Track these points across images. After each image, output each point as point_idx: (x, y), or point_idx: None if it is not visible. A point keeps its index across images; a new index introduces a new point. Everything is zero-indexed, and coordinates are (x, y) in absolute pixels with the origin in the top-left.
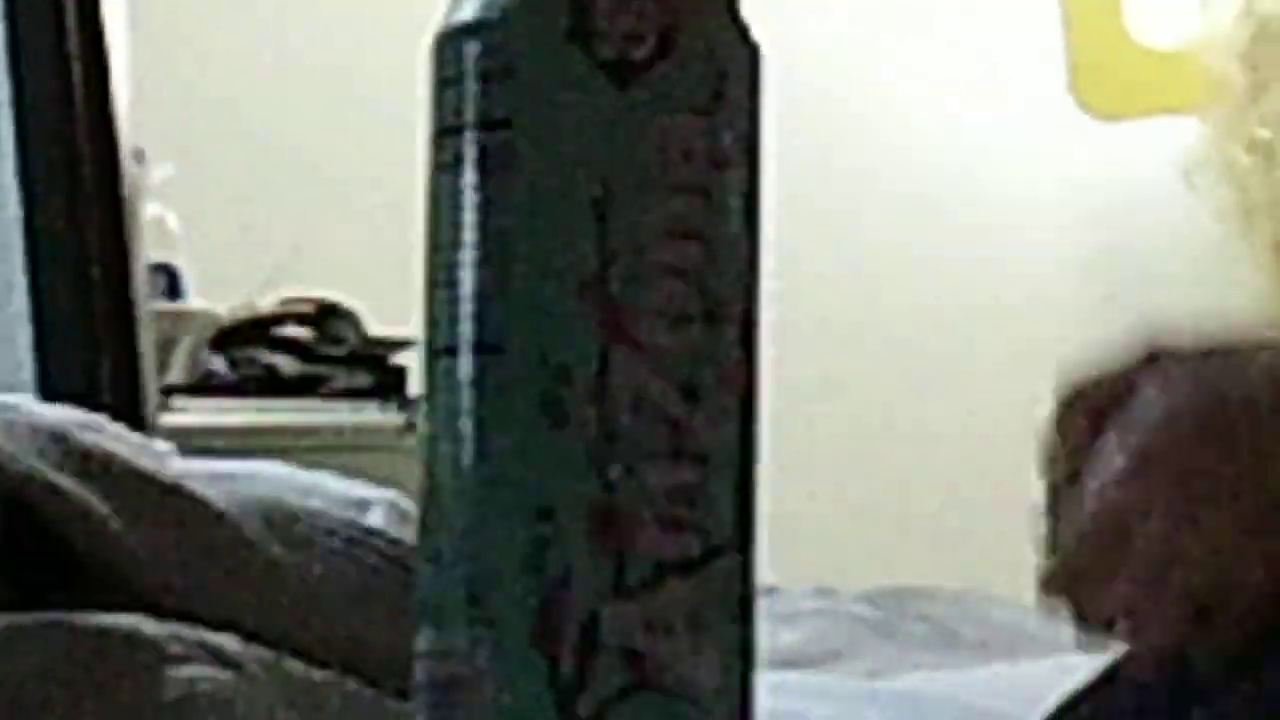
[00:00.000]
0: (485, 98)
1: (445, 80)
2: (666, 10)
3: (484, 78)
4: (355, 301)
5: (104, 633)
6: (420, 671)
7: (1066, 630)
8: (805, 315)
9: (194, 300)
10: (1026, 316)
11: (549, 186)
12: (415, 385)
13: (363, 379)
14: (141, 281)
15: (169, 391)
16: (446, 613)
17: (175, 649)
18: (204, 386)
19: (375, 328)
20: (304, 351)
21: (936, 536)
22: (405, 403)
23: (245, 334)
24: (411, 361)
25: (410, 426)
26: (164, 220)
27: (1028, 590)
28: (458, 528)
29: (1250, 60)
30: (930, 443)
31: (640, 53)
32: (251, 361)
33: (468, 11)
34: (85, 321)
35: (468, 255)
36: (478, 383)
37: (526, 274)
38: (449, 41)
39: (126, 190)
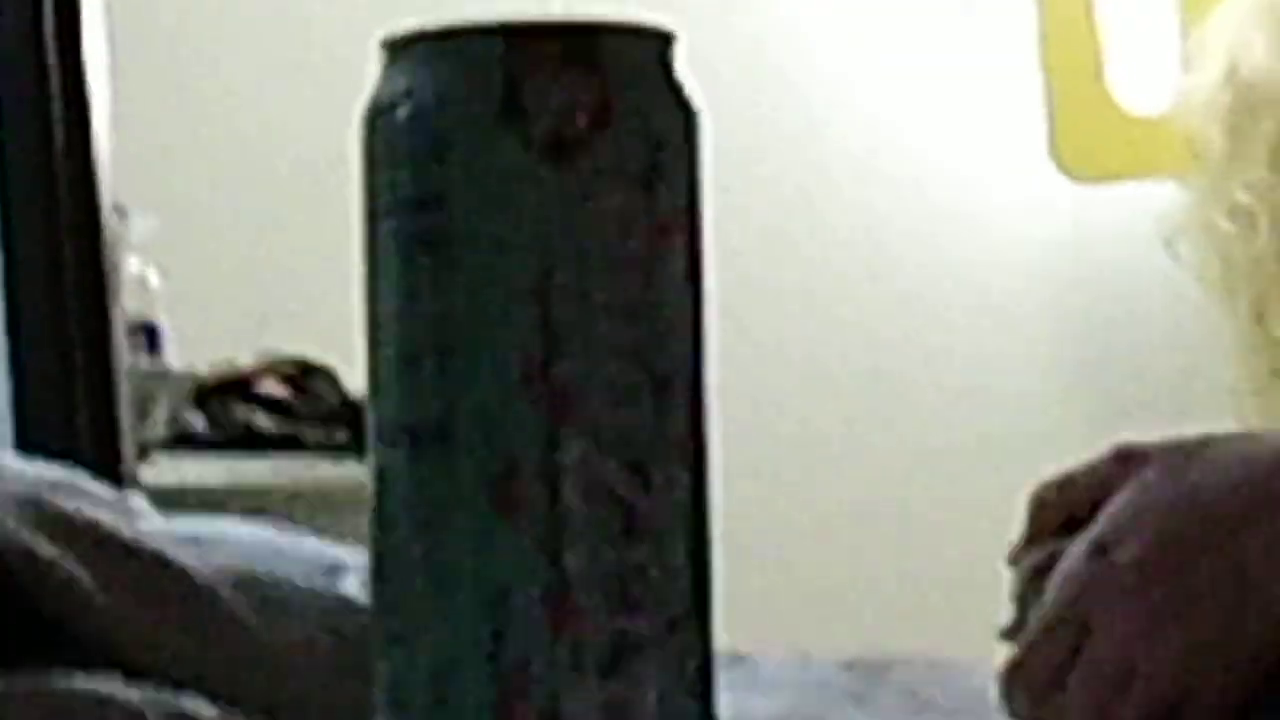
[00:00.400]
0: (418, 178)
1: (375, 157)
2: (599, 83)
3: (414, 156)
4: (335, 360)
5: (80, 697)
6: None
7: None
8: (772, 380)
9: (173, 357)
10: (1005, 381)
11: (487, 268)
12: None
13: (341, 436)
14: (120, 338)
15: (147, 448)
16: (406, 701)
17: (151, 715)
18: (183, 442)
19: (354, 385)
20: (283, 409)
21: (912, 602)
22: None
23: (225, 391)
24: None
25: None
26: (145, 277)
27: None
28: (413, 618)
29: (1231, 125)
30: (903, 509)
31: (574, 129)
32: (231, 418)
33: (397, 87)
34: (63, 376)
35: (406, 342)
36: (424, 472)
37: (468, 360)
38: (378, 116)
39: (107, 245)
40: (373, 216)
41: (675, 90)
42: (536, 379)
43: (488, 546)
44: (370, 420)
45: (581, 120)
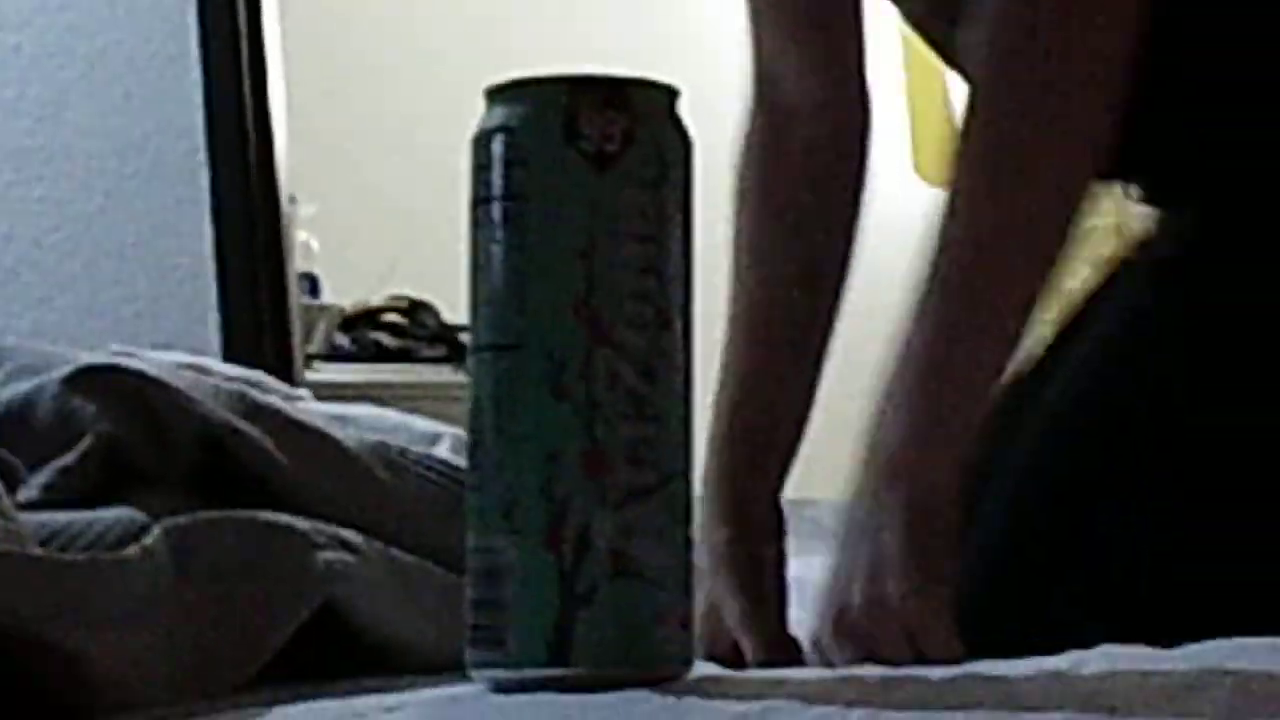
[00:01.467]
0: (506, 179)
1: (480, 166)
2: (628, 119)
3: (506, 165)
4: (436, 299)
5: (272, 525)
6: (469, 562)
7: None
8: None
9: (328, 298)
10: (871, 332)
11: (550, 239)
12: None
13: (440, 351)
14: (294, 284)
15: (310, 358)
16: (486, 524)
17: (319, 539)
18: (333, 355)
19: (449, 316)
20: (401, 332)
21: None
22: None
23: (362, 320)
24: None
25: None
26: (309, 243)
27: None
28: (493, 468)
29: None
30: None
31: (611, 147)
32: (365, 339)
33: (495, 120)
34: (254, 310)
35: (496, 285)
36: (504, 370)
37: (536, 299)
38: (482, 140)
39: (284, 223)
40: (476, 204)
41: (678, 125)
42: (581, 311)
43: (545, 420)
44: (470, 340)
45: (615, 142)
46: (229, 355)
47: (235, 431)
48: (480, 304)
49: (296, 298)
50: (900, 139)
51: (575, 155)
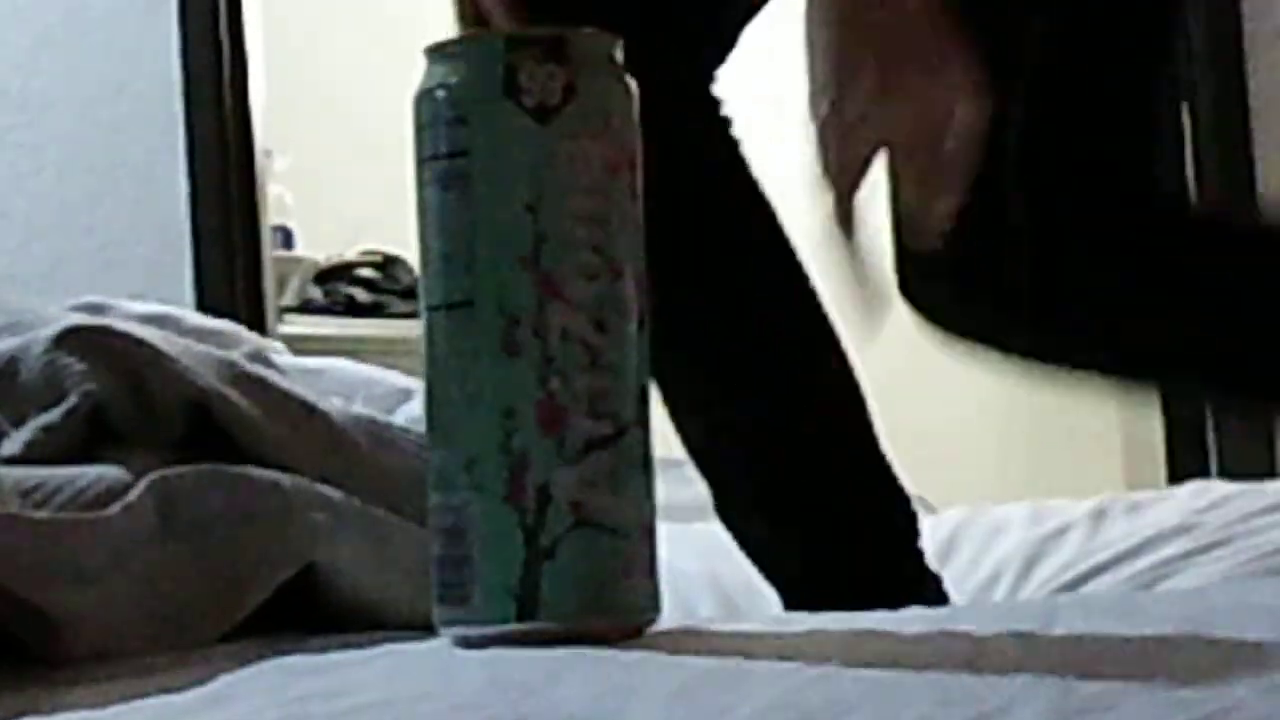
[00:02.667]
0: (450, 137)
1: (422, 125)
2: (568, 70)
3: (448, 123)
4: (409, 254)
5: (251, 480)
6: (432, 519)
7: None
8: None
9: (302, 250)
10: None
11: (496, 195)
12: None
13: (412, 306)
14: (267, 237)
15: (283, 311)
16: (447, 482)
17: (298, 497)
18: (306, 308)
19: None
20: (374, 287)
21: None
22: None
23: (335, 274)
24: None
25: None
26: (283, 197)
27: None
28: (451, 426)
29: None
30: None
31: (553, 100)
32: (339, 292)
33: (435, 78)
34: (228, 262)
35: (444, 243)
36: (457, 328)
37: (486, 254)
38: (423, 98)
39: (258, 176)
40: (420, 165)
41: (619, 74)
42: (530, 265)
43: (500, 376)
44: (422, 299)
45: (557, 94)
46: (202, 305)
47: (222, 398)
48: (430, 263)
49: (270, 250)
50: None
51: (516, 109)
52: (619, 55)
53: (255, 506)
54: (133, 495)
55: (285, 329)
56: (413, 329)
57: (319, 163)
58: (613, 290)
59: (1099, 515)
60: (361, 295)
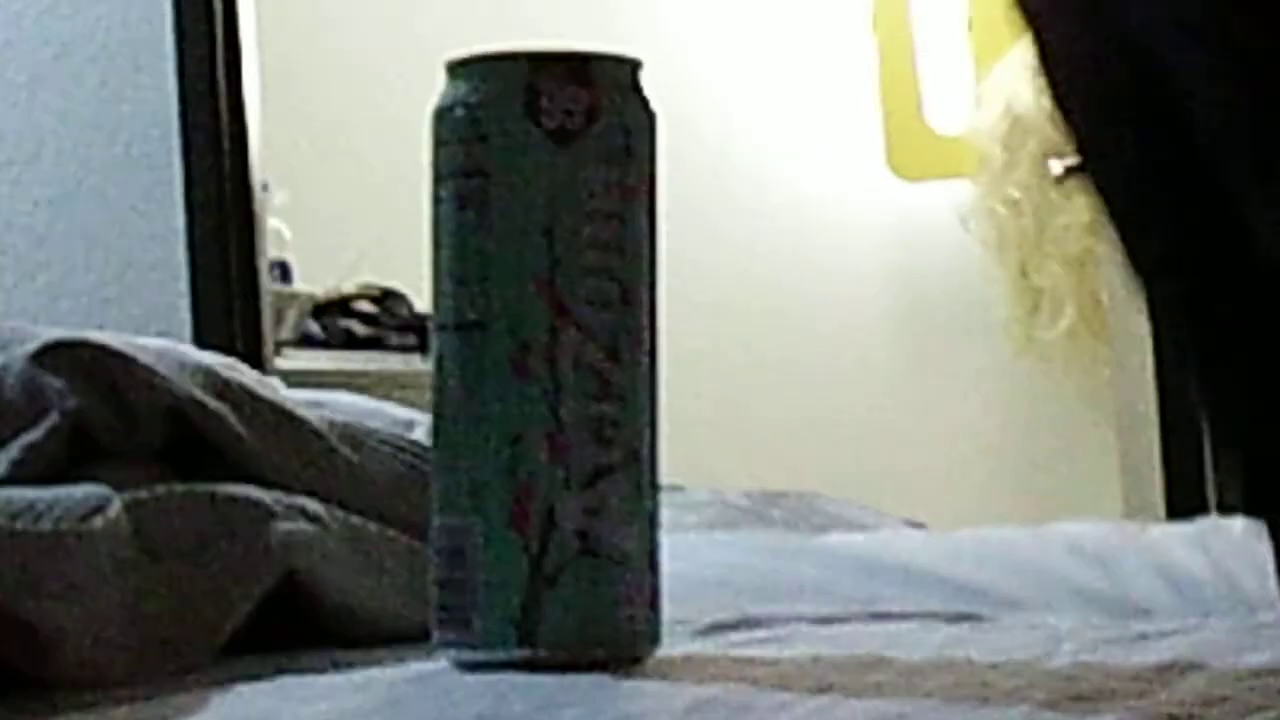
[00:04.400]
0: (467, 155)
1: (440, 142)
2: (591, 94)
3: (466, 141)
4: (407, 287)
5: (230, 497)
6: (434, 543)
7: (877, 516)
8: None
9: (299, 285)
10: (847, 312)
11: (512, 216)
12: None
13: (411, 340)
14: (265, 271)
15: (280, 345)
16: (452, 505)
17: (279, 509)
18: (304, 342)
19: (420, 305)
20: (372, 320)
21: (793, 457)
22: None
23: (333, 308)
24: None
25: None
26: (280, 230)
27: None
28: (457, 448)
29: (1007, 144)
30: (779, 402)
31: (574, 123)
32: (336, 326)
33: (455, 95)
34: (226, 295)
35: (458, 263)
36: (467, 350)
37: (499, 277)
38: (442, 115)
39: (256, 210)
40: (437, 181)
41: (642, 100)
42: (544, 289)
43: (509, 400)
44: (433, 320)
45: (578, 118)
46: (200, 341)
47: (201, 406)
48: (442, 283)
49: (268, 284)
50: (873, 135)
51: (537, 131)
52: (642, 80)
53: (229, 523)
54: (111, 513)
55: (283, 363)
56: (411, 363)
57: (317, 196)
58: (626, 318)
59: None
60: (359, 329)
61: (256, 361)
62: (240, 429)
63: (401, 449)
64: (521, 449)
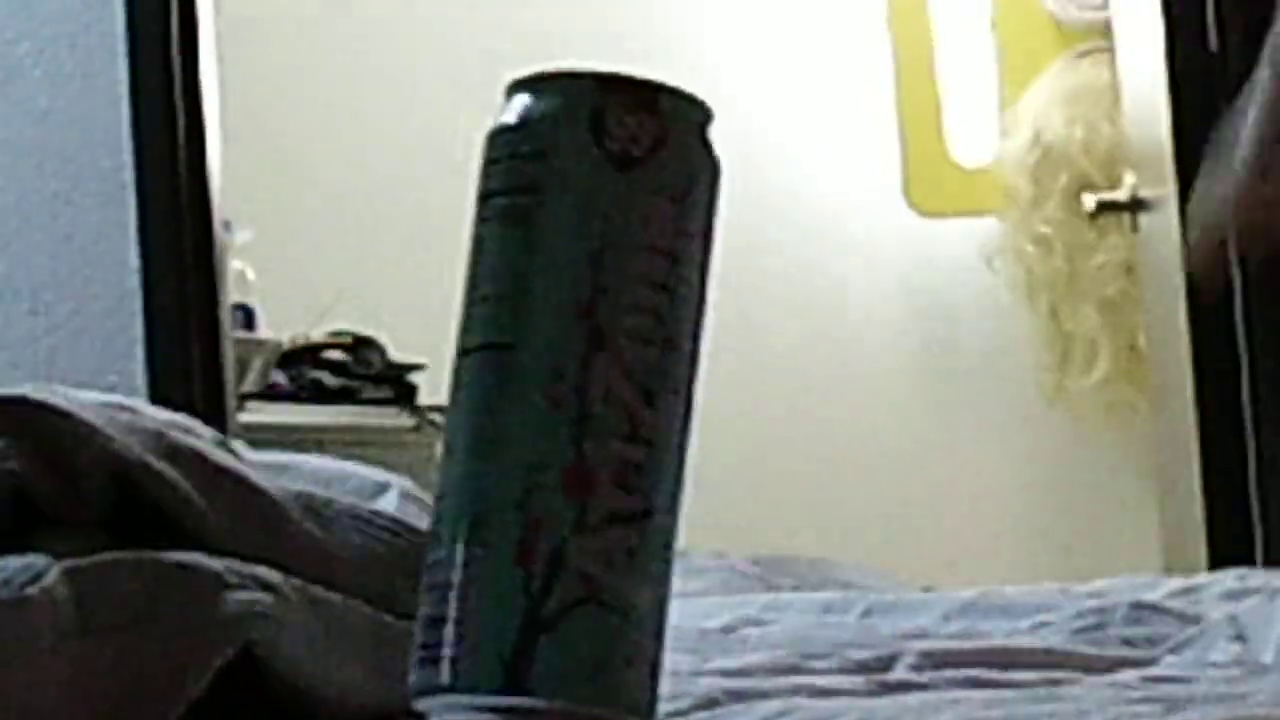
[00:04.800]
0: (520, 171)
1: (493, 160)
2: (658, 123)
3: (523, 157)
4: (382, 335)
5: (180, 565)
6: (428, 576)
7: (889, 579)
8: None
9: (264, 331)
10: (866, 362)
11: (560, 239)
12: (424, 398)
13: (385, 392)
14: (227, 317)
15: (244, 398)
16: (454, 533)
17: (232, 579)
18: (269, 395)
19: (396, 354)
20: (343, 370)
21: (799, 519)
22: (415, 410)
23: (300, 357)
24: (421, 380)
25: (418, 428)
26: (244, 273)
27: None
28: (468, 474)
29: (1036, 176)
30: (791, 452)
31: (638, 149)
32: (304, 377)
33: (517, 112)
34: (184, 344)
35: (496, 282)
36: (494, 371)
37: (539, 295)
38: (501, 132)
39: (217, 250)
40: (483, 199)
41: (708, 146)
42: (584, 317)
43: (531, 427)
44: (458, 343)
45: (643, 145)
46: (155, 393)
47: (150, 471)
48: (474, 304)
49: (230, 331)
50: (891, 166)
51: (598, 152)
52: (711, 130)
53: (179, 592)
54: (48, 581)
55: (247, 418)
56: (385, 417)
57: (283, 236)
58: (665, 361)
59: None
60: (329, 380)
61: (218, 416)
62: (193, 496)
63: (366, 519)
64: (537, 480)
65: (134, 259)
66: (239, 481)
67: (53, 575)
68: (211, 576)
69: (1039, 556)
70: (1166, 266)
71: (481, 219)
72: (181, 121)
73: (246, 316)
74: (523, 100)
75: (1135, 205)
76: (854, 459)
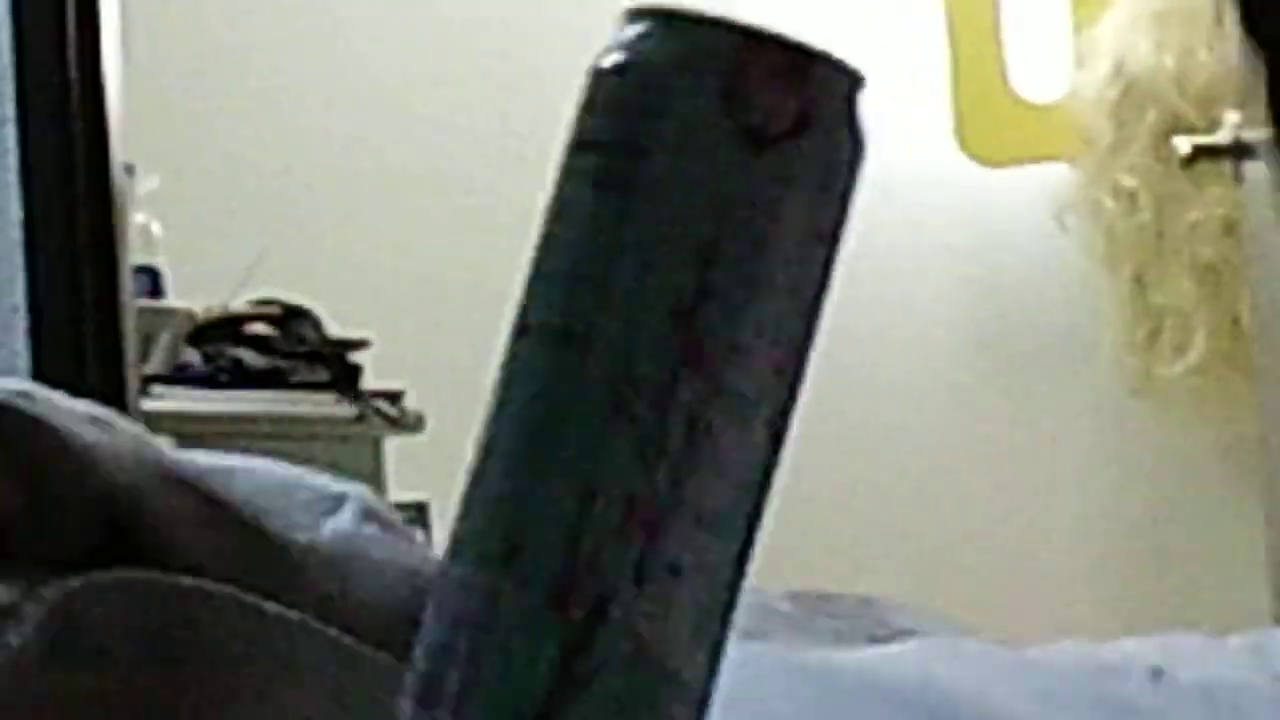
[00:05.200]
0: (625, 127)
1: (592, 102)
2: (806, 98)
3: (627, 108)
4: (317, 305)
5: (184, 589)
6: (440, 600)
7: (944, 622)
8: None
9: (173, 299)
10: (915, 338)
11: (663, 220)
12: (369, 381)
13: (321, 374)
14: (127, 281)
15: (148, 380)
16: (479, 557)
17: (238, 613)
18: (179, 377)
19: (334, 329)
20: (270, 348)
21: (845, 544)
22: (358, 396)
23: (218, 331)
24: (365, 359)
25: (362, 418)
26: (149, 227)
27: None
28: (503, 488)
29: (1117, 116)
30: (829, 446)
31: (777, 127)
32: (222, 356)
33: (633, 51)
34: (75, 315)
35: (575, 257)
36: (559, 363)
37: (628, 285)
38: (609, 71)
39: (116, 200)
40: (573, 150)
41: (855, 125)
42: (681, 321)
43: (594, 445)
44: (516, 318)
45: (785, 122)
46: (39, 372)
47: (146, 501)
48: (543, 275)
49: (131, 299)
50: (940, 104)
51: (728, 122)
52: (864, 109)
53: (181, 628)
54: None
55: (151, 404)
56: (321, 405)
57: (197, 183)
58: (770, 388)
59: None
60: (253, 359)
61: (117, 402)
62: (194, 531)
63: (380, 562)
64: (593, 508)
65: (15, 208)
66: (241, 517)
67: (24, 611)
68: (215, 608)
69: (1123, 576)
70: (1276, 224)
71: (568, 174)
72: (73, 42)
73: (152, 280)
74: (640, 36)
75: (1238, 150)
76: (897, 464)
